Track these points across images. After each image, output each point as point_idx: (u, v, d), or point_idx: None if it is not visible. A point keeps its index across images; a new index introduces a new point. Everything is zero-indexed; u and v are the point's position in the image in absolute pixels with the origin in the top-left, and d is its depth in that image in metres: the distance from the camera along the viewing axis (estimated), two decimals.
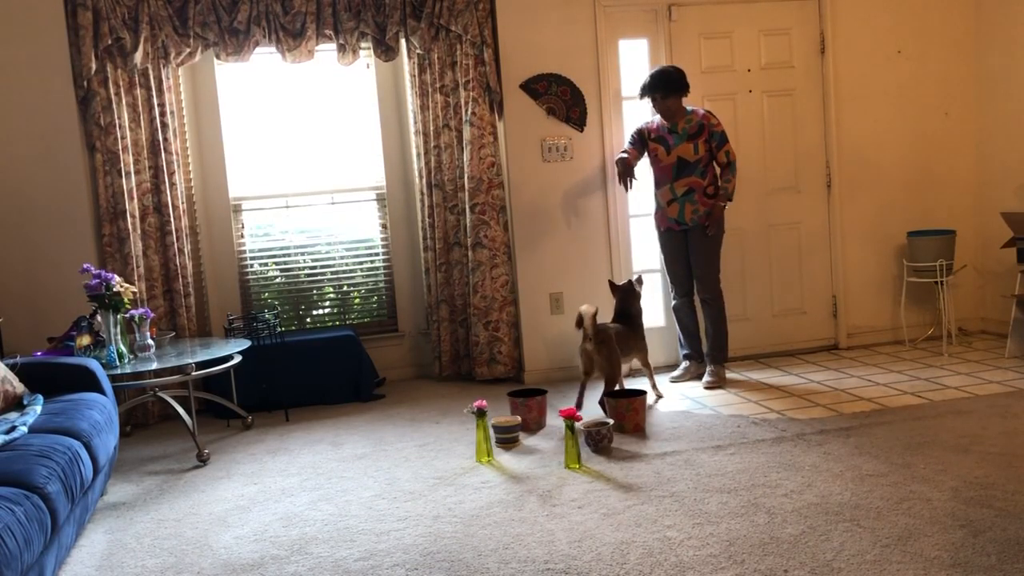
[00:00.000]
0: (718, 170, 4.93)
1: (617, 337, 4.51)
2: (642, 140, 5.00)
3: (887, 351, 5.58)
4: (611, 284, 4.81)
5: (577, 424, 3.78)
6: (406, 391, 5.35)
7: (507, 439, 4.12)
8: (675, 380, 5.12)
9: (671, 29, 5.35)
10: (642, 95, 4.95)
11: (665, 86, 4.85)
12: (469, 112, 5.20)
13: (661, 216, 5.07)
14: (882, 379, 4.89)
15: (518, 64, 5.23)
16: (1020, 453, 3.50)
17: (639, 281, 4.81)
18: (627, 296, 4.74)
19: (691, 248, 5.01)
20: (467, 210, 5.27)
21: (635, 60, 5.37)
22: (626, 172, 4.85)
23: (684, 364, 5.19)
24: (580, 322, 4.38)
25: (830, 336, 5.76)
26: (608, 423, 4.00)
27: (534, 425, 4.36)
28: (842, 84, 5.60)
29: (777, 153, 5.59)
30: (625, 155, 4.89)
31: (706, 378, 5.00)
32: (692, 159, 4.89)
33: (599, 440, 3.93)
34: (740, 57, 5.48)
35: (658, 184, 5.04)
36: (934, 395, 4.48)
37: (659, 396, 4.76)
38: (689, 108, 4.95)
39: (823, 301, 5.73)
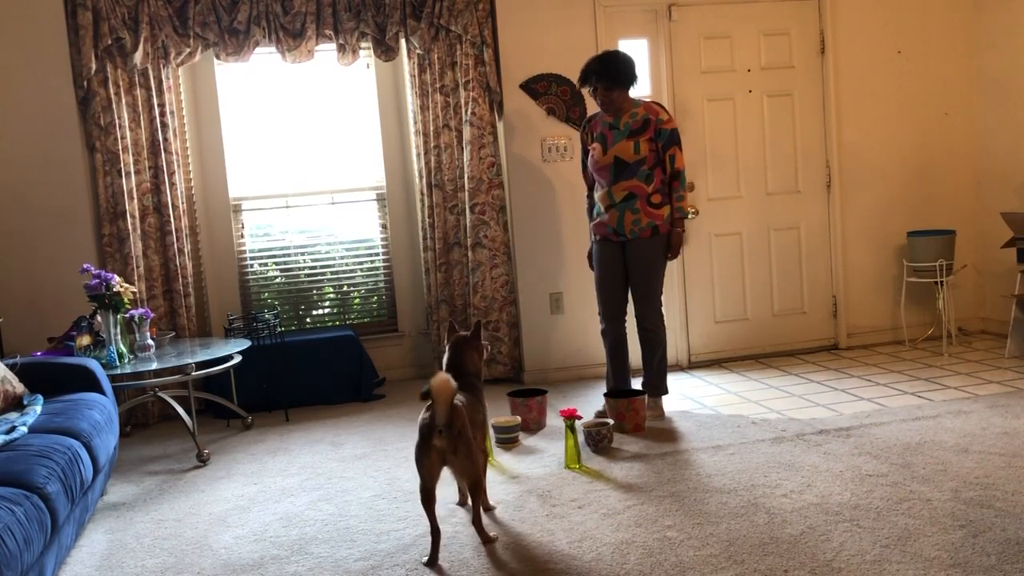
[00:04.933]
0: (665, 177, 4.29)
1: (468, 413, 3.05)
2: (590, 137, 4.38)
3: (887, 351, 5.58)
4: (450, 327, 3.44)
5: (577, 424, 3.78)
6: (406, 391, 5.35)
7: (507, 439, 4.12)
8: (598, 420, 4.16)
9: (671, 29, 5.35)
10: (581, 84, 4.30)
11: (609, 76, 4.17)
12: (469, 112, 5.20)
13: (599, 224, 4.38)
14: (882, 379, 4.89)
15: (518, 64, 5.23)
16: (1020, 453, 3.50)
17: (478, 328, 3.43)
18: (463, 348, 3.35)
19: (631, 266, 4.32)
20: (467, 210, 5.27)
21: (635, 60, 5.34)
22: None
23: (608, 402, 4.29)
24: (426, 397, 2.88)
25: (830, 336, 5.76)
26: (608, 423, 4.00)
27: (534, 425, 4.36)
28: (842, 84, 5.60)
29: (777, 153, 5.58)
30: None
31: (649, 412, 4.32)
32: (631, 159, 4.20)
33: (599, 440, 3.93)
34: (740, 57, 5.48)
35: (597, 187, 4.38)
36: (934, 395, 4.48)
37: (488, 508, 3.30)
38: (637, 100, 4.33)
39: (823, 301, 5.73)
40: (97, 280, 4.19)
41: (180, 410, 4.40)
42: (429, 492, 2.91)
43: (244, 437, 4.61)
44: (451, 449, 2.88)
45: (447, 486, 3.34)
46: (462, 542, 3.03)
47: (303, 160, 5.53)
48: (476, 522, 3.03)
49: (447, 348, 3.37)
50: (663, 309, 4.47)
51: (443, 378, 2.85)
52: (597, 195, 4.40)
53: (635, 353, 4.52)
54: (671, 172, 4.26)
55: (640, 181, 4.25)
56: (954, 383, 4.68)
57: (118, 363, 4.24)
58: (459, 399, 3.00)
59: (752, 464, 3.60)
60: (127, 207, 4.88)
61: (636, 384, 4.55)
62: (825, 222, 5.68)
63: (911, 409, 4.23)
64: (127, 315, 4.37)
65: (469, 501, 3.17)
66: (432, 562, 2.88)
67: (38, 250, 4.82)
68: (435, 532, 2.91)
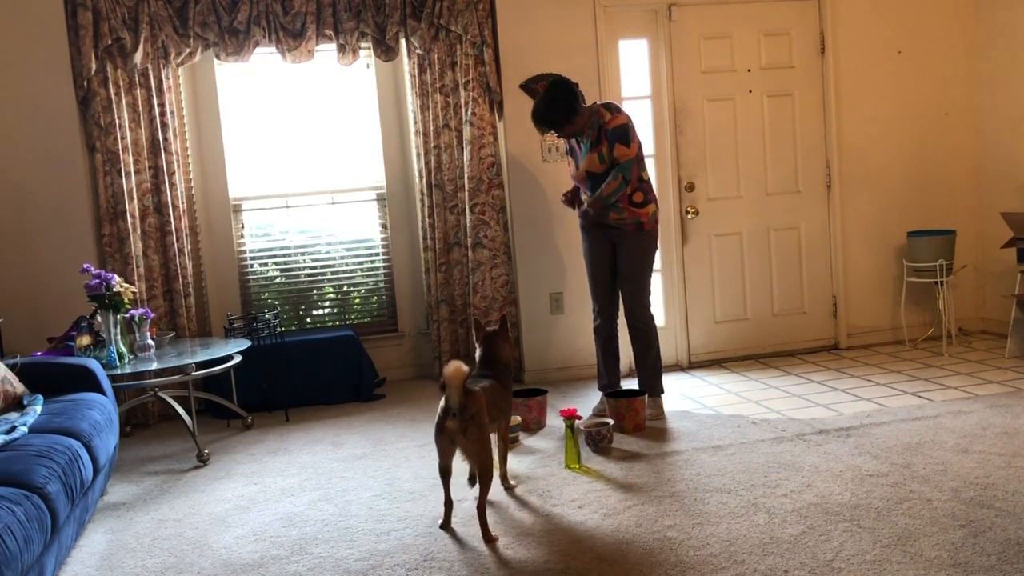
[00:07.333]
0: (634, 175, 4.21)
1: (488, 398, 3.28)
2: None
3: (887, 351, 5.58)
4: (476, 324, 3.68)
5: (577, 424, 3.78)
6: (406, 391, 5.35)
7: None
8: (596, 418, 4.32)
9: (671, 29, 5.35)
10: (538, 126, 4.25)
11: (559, 122, 4.14)
12: (469, 112, 5.20)
13: (586, 214, 4.35)
14: (882, 379, 4.89)
15: (518, 64, 5.23)
16: (1020, 453, 3.50)
17: (504, 322, 3.66)
18: (494, 341, 3.60)
19: (619, 259, 4.35)
20: (467, 210, 5.27)
21: (635, 60, 5.36)
22: (571, 203, 4.37)
23: (602, 399, 4.43)
24: (444, 386, 3.10)
25: (830, 336, 5.76)
26: (608, 423, 4.00)
27: (534, 425, 4.36)
28: (842, 84, 5.60)
29: (777, 154, 5.58)
30: (568, 195, 4.40)
31: (649, 411, 4.35)
32: (600, 170, 4.20)
33: (599, 440, 3.93)
34: (740, 57, 5.47)
35: (582, 191, 4.40)
36: (934, 395, 4.48)
37: (509, 487, 3.55)
38: (592, 108, 4.24)
39: (823, 301, 5.73)
40: (97, 280, 4.19)
41: (180, 410, 4.40)
42: (445, 468, 3.20)
43: (244, 437, 4.61)
44: (461, 430, 3.08)
45: (458, 485, 3.34)
46: (463, 542, 3.03)
47: (303, 160, 5.53)
48: (480, 509, 3.09)
49: (479, 343, 3.62)
50: (651, 310, 4.42)
51: (455, 365, 3.06)
52: (583, 196, 4.38)
53: (627, 351, 4.53)
54: (613, 163, 4.16)
55: None
56: (954, 383, 4.68)
57: (118, 363, 4.24)
58: (481, 385, 3.29)
59: (752, 464, 3.60)
60: (127, 207, 4.88)
61: (629, 382, 4.55)
62: (825, 222, 5.68)
63: (911, 409, 4.23)
64: (127, 315, 4.37)
65: (477, 486, 3.20)
66: (446, 525, 3.19)
67: (38, 250, 4.82)
68: (448, 503, 3.21)
